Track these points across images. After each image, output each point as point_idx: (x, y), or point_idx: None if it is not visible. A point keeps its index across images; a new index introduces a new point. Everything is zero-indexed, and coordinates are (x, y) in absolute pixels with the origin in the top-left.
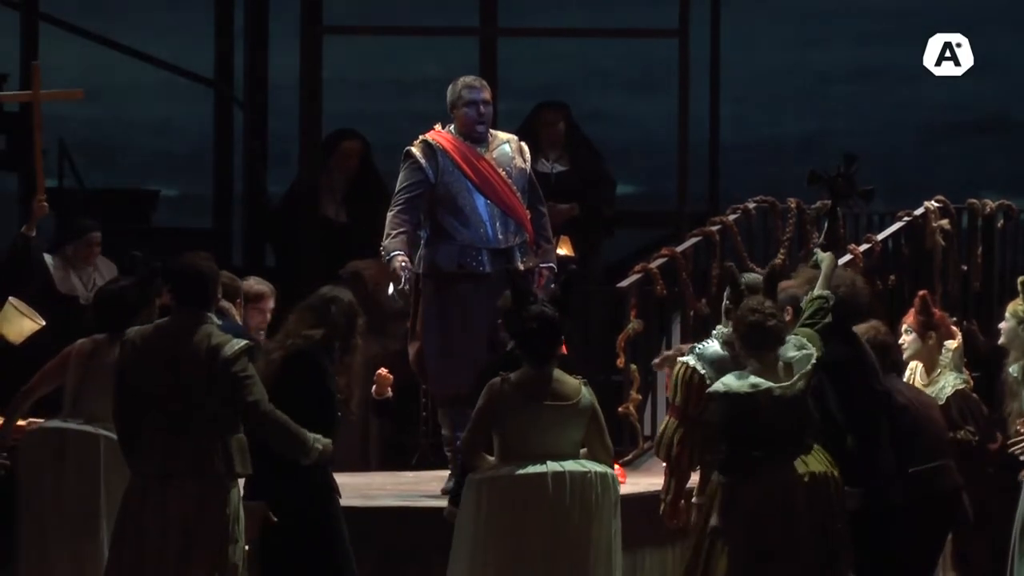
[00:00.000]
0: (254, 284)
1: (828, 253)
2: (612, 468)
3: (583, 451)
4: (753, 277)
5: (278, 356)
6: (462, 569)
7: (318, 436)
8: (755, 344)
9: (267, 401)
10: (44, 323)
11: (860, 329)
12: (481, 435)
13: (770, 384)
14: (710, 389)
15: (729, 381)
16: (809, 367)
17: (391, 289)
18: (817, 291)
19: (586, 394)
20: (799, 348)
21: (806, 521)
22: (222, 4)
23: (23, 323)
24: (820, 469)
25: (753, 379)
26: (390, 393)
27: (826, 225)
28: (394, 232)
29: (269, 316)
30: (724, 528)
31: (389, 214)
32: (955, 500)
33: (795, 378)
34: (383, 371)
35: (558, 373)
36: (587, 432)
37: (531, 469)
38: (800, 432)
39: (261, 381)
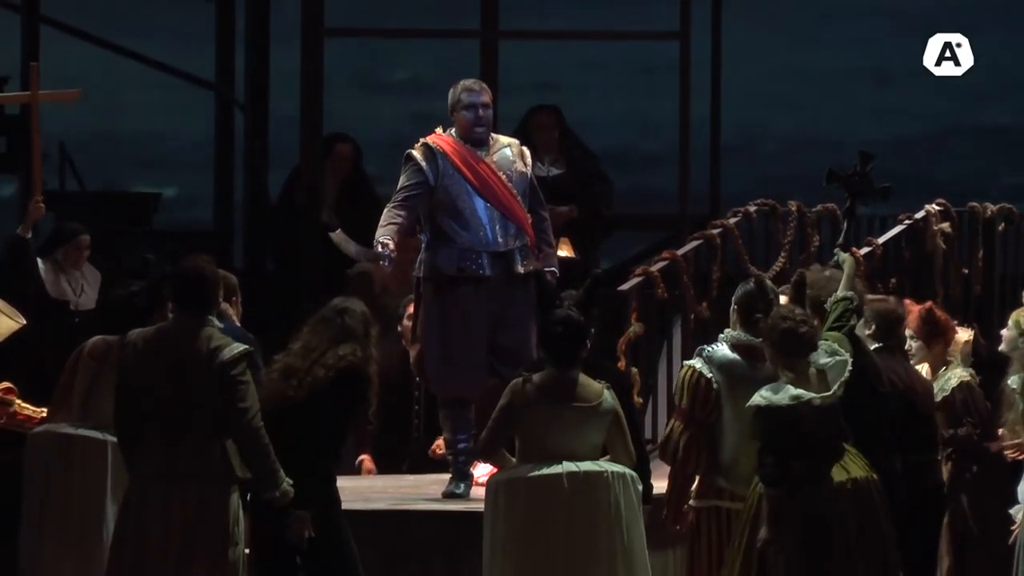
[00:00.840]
0: None
1: (848, 254)
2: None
3: (606, 457)
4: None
5: (326, 373)
6: (485, 569)
7: (287, 479)
8: (789, 352)
9: (258, 415)
10: (24, 322)
11: (871, 297)
12: (500, 434)
13: (811, 395)
14: (750, 403)
15: (768, 394)
16: (847, 374)
17: (339, 231)
18: (841, 293)
19: (608, 398)
20: (831, 354)
21: (855, 527)
22: (223, 6)
23: (2, 322)
24: (861, 474)
25: (792, 390)
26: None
27: (845, 225)
28: (386, 223)
29: None
30: (775, 539)
31: (385, 209)
32: (942, 495)
33: (835, 387)
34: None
35: (581, 377)
36: (609, 436)
37: (547, 470)
38: (835, 439)
39: (298, 399)
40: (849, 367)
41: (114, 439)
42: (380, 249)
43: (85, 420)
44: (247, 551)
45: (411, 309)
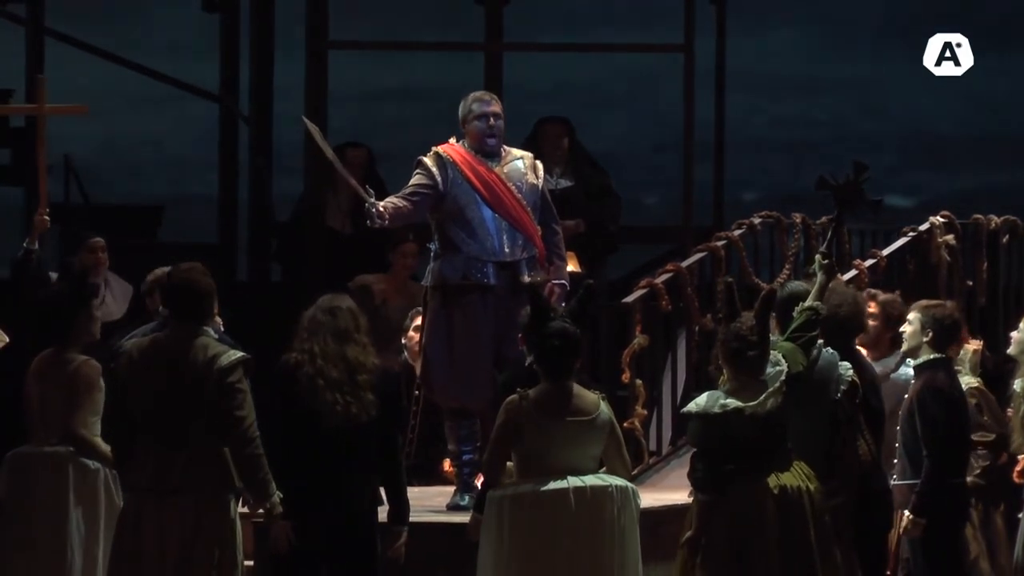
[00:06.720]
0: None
1: (828, 263)
2: (631, 482)
3: (603, 469)
4: (799, 285)
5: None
6: None
7: (279, 493)
8: (735, 367)
9: (254, 424)
10: (7, 340)
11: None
12: (501, 452)
13: (739, 404)
14: (683, 410)
15: (701, 401)
16: (779, 384)
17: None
18: (810, 302)
19: (604, 409)
20: (774, 365)
21: (775, 533)
22: (227, 19)
23: None
24: (793, 483)
25: (723, 399)
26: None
27: (830, 233)
28: (386, 200)
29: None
30: (704, 544)
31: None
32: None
33: (763, 396)
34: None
35: (577, 388)
36: (605, 448)
37: (553, 485)
38: (774, 448)
39: (363, 418)
40: (783, 378)
41: (68, 450)
42: (374, 209)
43: (47, 437)
44: (249, 563)
45: (418, 321)
